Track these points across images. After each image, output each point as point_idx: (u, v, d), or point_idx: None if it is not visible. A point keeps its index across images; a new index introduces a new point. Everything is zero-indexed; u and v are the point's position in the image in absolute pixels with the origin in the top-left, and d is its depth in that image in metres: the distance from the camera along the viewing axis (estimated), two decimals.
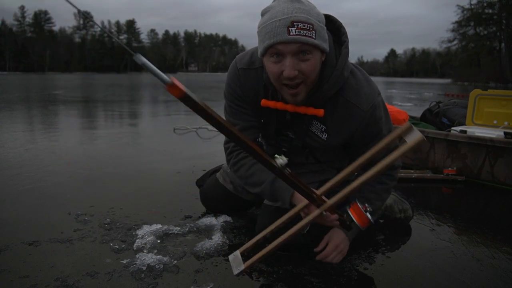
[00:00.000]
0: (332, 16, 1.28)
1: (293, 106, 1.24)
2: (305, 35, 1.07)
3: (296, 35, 1.07)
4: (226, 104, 1.42)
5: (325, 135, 1.32)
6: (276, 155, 0.90)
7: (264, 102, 1.29)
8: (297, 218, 1.14)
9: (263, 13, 1.15)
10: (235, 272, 1.10)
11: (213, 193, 1.78)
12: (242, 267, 1.10)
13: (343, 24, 1.27)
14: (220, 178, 1.76)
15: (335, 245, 1.33)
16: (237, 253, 1.14)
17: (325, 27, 1.16)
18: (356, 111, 1.26)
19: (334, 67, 1.21)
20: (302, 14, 1.08)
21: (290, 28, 1.07)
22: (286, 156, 0.93)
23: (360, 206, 1.21)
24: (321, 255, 1.32)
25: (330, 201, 1.05)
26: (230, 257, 1.15)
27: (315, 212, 1.07)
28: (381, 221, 1.73)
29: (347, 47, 1.24)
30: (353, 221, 1.21)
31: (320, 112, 1.22)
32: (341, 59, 1.22)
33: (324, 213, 1.08)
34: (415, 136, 0.89)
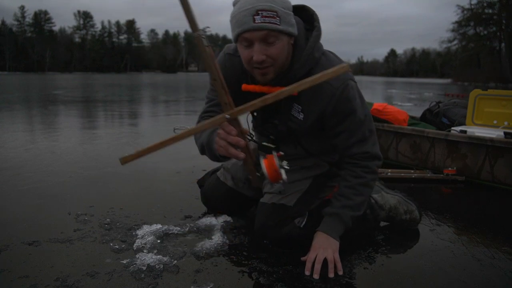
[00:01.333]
0: (307, 6, 1.38)
1: (268, 88, 1.29)
2: (269, 22, 1.16)
3: (261, 22, 1.16)
4: (210, 85, 1.50)
5: (301, 115, 1.37)
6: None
7: (244, 86, 1.38)
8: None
9: (234, 4, 1.25)
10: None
11: (213, 192, 1.78)
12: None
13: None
14: (221, 177, 1.76)
15: (319, 255, 1.31)
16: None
17: (291, 13, 1.23)
18: (326, 88, 1.29)
19: (304, 49, 1.29)
20: (266, 3, 1.16)
21: (255, 17, 1.16)
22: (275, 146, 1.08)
23: (275, 159, 1.22)
24: (308, 267, 1.31)
25: (237, 108, 1.15)
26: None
27: (219, 116, 1.16)
28: (382, 222, 1.73)
29: (318, 31, 1.32)
30: (264, 172, 1.22)
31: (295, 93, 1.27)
32: (311, 40, 1.30)
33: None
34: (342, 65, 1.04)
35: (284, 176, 1.22)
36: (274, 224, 1.44)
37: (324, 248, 1.32)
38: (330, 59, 1.35)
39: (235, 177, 1.71)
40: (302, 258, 1.35)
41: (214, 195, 1.78)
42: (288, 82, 1.22)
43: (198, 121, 1.53)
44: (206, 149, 1.40)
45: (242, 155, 1.21)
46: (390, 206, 1.66)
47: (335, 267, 1.30)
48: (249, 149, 1.24)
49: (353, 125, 1.34)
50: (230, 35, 1.30)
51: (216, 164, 1.76)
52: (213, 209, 1.81)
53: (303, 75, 1.27)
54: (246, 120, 1.56)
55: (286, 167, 1.23)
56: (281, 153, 1.26)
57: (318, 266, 1.29)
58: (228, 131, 1.18)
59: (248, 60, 1.24)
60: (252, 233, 1.60)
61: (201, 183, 1.90)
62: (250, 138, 1.55)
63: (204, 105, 1.59)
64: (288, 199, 1.48)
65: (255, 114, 1.49)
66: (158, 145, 1.16)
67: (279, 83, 1.28)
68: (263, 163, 1.23)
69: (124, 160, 1.17)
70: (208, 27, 1.07)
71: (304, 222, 1.46)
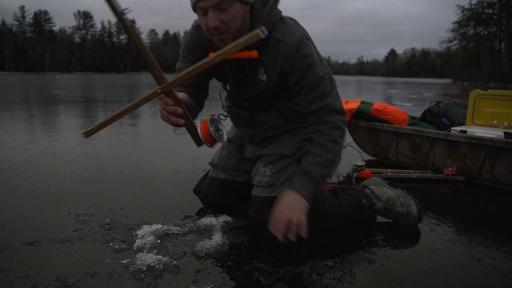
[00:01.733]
0: None
1: (232, 55, 1.33)
2: None
3: None
4: (180, 56, 1.59)
5: (265, 76, 1.44)
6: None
7: (211, 54, 1.40)
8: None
9: None
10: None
11: (210, 189, 1.79)
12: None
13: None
14: (213, 174, 1.80)
15: (285, 215, 1.28)
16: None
17: None
18: (283, 46, 1.36)
19: (262, 15, 1.36)
20: None
21: None
22: (250, 114, 1.36)
23: (208, 123, 1.35)
24: (273, 226, 1.30)
25: (168, 82, 1.24)
26: None
27: (152, 91, 1.26)
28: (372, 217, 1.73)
29: None
30: (200, 135, 1.35)
31: (254, 53, 1.35)
32: (268, 6, 1.37)
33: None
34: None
35: (224, 138, 1.38)
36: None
37: (292, 208, 1.29)
38: (288, 23, 1.40)
39: (226, 168, 1.76)
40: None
41: (211, 192, 1.79)
42: (248, 47, 1.25)
43: None
44: None
45: (181, 121, 1.34)
46: (387, 197, 1.66)
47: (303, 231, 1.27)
48: (187, 115, 1.35)
49: (312, 81, 1.38)
50: None
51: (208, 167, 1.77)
52: (214, 207, 1.81)
53: (262, 40, 1.25)
54: (219, 95, 1.65)
55: (222, 130, 1.38)
56: (215, 116, 1.40)
57: (281, 226, 1.26)
58: (165, 102, 1.30)
59: (206, 28, 1.32)
60: (253, 233, 1.60)
61: (197, 190, 1.90)
62: (226, 112, 1.63)
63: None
64: (279, 191, 1.47)
65: (227, 86, 1.56)
66: (113, 118, 1.30)
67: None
68: (199, 127, 1.36)
69: (87, 134, 1.31)
70: (128, 7, 1.13)
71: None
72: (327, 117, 1.40)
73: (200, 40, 1.49)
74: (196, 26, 1.51)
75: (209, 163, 1.84)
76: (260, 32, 1.08)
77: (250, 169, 1.69)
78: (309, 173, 1.36)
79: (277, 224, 1.29)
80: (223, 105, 1.65)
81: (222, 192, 1.77)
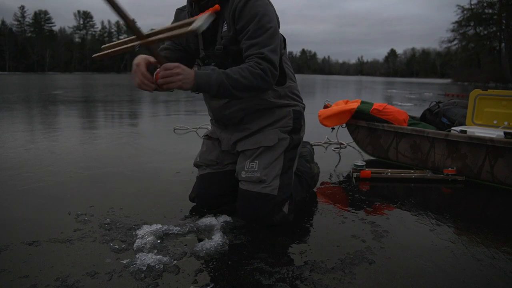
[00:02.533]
0: None
1: (201, 14, 1.42)
2: None
3: None
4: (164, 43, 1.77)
5: (226, 26, 1.55)
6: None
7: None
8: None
9: None
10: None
11: (200, 188, 1.82)
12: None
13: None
14: (199, 173, 1.86)
15: (172, 69, 1.37)
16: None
17: None
18: (232, 1, 1.51)
19: None
20: None
21: None
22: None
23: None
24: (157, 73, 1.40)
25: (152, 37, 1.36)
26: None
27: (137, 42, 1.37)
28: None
29: None
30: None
31: (217, 7, 1.49)
32: None
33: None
34: (196, 25, 1.26)
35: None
36: (264, 214, 1.58)
37: (181, 68, 1.38)
38: None
39: (208, 164, 1.82)
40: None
41: (201, 190, 1.81)
42: (211, 4, 1.51)
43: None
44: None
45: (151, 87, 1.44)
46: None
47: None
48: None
49: (255, 29, 1.48)
50: None
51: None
52: (209, 204, 1.81)
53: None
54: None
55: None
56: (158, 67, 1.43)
57: (163, 73, 1.36)
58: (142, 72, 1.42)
59: None
60: (253, 233, 1.60)
61: (192, 196, 1.91)
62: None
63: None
64: (271, 188, 1.59)
65: (201, 50, 1.65)
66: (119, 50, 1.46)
67: (206, 5, 1.53)
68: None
69: (98, 58, 1.49)
70: None
71: (287, 207, 1.65)
72: (257, 59, 1.47)
73: (179, 19, 1.68)
74: (179, 9, 1.74)
75: (194, 164, 1.91)
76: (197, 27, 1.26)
77: (231, 161, 1.79)
78: (214, 70, 1.45)
79: (160, 73, 1.38)
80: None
81: (211, 186, 1.80)
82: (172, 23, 1.65)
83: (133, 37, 1.40)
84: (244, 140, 1.70)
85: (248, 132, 1.69)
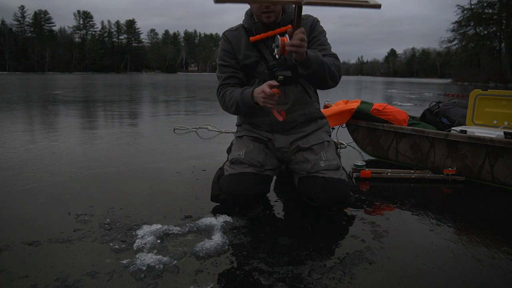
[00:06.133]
0: None
1: (271, 32, 1.83)
2: None
3: None
4: (218, 64, 1.98)
5: None
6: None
7: (252, 38, 1.87)
8: None
9: None
10: None
11: (238, 186, 1.77)
12: None
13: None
14: (237, 170, 1.80)
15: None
16: None
17: None
18: (309, 18, 1.93)
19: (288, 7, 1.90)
20: None
21: None
22: (281, 86, 1.69)
23: (288, 38, 1.53)
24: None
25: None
26: None
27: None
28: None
29: None
30: (277, 46, 1.55)
31: (289, 26, 1.67)
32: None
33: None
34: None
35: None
36: (346, 196, 1.79)
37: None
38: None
39: (253, 164, 1.84)
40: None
41: (241, 187, 1.77)
42: (284, 22, 1.84)
43: (220, 93, 1.95)
44: (240, 104, 1.82)
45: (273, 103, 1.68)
46: None
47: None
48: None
49: (324, 40, 1.92)
50: None
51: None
52: (243, 203, 1.81)
53: (289, 22, 1.82)
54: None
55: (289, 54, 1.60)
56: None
57: (295, 42, 1.52)
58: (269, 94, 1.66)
59: (259, 7, 1.77)
60: (253, 233, 1.60)
61: (215, 195, 1.88)
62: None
63: (219, 80, 1.98)
64: (344, 175, 1.84)
65: (259, 66, 1.90)
66: None
67: (278, 25, 1.84)
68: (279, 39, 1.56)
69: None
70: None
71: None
72: (335, 58, 1.86)
73: (235, 38, 1.92)
74: (229, 31, 1.97)
75: (231, 160, 1.87)
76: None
77: (271, 167, 1.91)
78: (319, 55, 1.72)
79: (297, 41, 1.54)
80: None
81: (253, 186, 1.79)
82: (222, 48, 1.95)
83: None
84: (303, 139, 1.95)
85: (304, 134, 1.97)
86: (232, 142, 2.07)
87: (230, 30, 1.96)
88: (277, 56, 1.61)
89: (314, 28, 1.91)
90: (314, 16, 1.97)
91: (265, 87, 1.65)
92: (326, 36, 1.95)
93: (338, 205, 1.85)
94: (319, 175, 1.79)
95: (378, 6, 1.45)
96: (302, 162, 1.87)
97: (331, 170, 1.80)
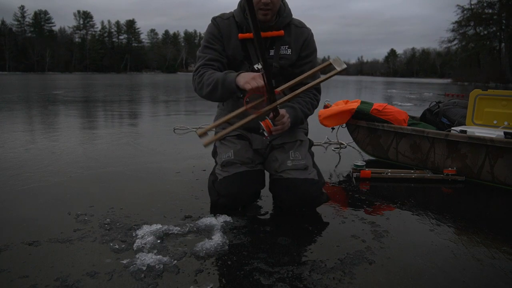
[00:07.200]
0: None
1: (262, 34, 1.64)
2: None
3: None
4: (201, 46, 1.88)
5: (289, 50, 1.85)
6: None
7: (241, 35, 1.81)
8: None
9: None
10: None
11: (235, 187, 1.75)
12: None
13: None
14: (232, 171, 1.76)
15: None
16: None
17: None
18: (304, 29, 1.89)
19: (285, 7, 1.87)
20: None
21: None
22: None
23: (270, 122, 1.63)
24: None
25: (277, 101, 1.54)
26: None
27: (268, 107, 1.53)
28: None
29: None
30: (263, 130, 1.63)
31: (281, 32, 1.81)
32: (285, 3, 1.89)
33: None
34: (341, 66, 1.44)
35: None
36: (315, 196, 1.77)
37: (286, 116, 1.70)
38: (299, 20, 1.92)
39: (244, 161, 1.81)
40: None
41: (238, 188, 1.75)
42: (277, 26, 1.82)
43: (199, 72, 1.82)
44: (220, 83, 1.69)
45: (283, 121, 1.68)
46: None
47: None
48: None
49: (314, 59, 1.92)
50: None
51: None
52: (242, 203, 1.84)
53: (286, 23, 1.85)
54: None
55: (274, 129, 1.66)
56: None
57: (280, 126, 1.67)
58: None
59: (257, 3, 1.70)
60: (253, 233, 1.60)
61: (215, 199, 1.85)
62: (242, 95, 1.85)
63: (200, 60, 1.85)
64: (313, 174, 1.80)
65: (244, 66, 1.85)
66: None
67: (270, 29, 1.81)
68: (262, 124, 1.64)
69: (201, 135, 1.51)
70: None
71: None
72: (316, 93, 1.91)
73: (225, 28, 1.84)
74: (219, 17, 1.87)
75: (222, 163, 1.80)
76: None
77: (260, 161, 1.89)
78: (296, 109, 1.81)
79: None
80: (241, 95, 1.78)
81: (250, 184, 1.78)
82: (210, 31, 1.85)
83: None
84: (278, 137, 1.89)
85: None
86: (215, 145, 1.97)
87: (222, 18, 1.86)
88: (266, 136, 1.67)
89: (307, 46, 1.87)
90: (315, 14, 1.96)
91: (258, 77, 1.56)
92: (316, 51, 1.95)
93: (305, 206, 1.84)
94: (284, 175, 1.77)
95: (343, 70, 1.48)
96: (273, 161, 1.84)
97: (297, 170, 1.76)
